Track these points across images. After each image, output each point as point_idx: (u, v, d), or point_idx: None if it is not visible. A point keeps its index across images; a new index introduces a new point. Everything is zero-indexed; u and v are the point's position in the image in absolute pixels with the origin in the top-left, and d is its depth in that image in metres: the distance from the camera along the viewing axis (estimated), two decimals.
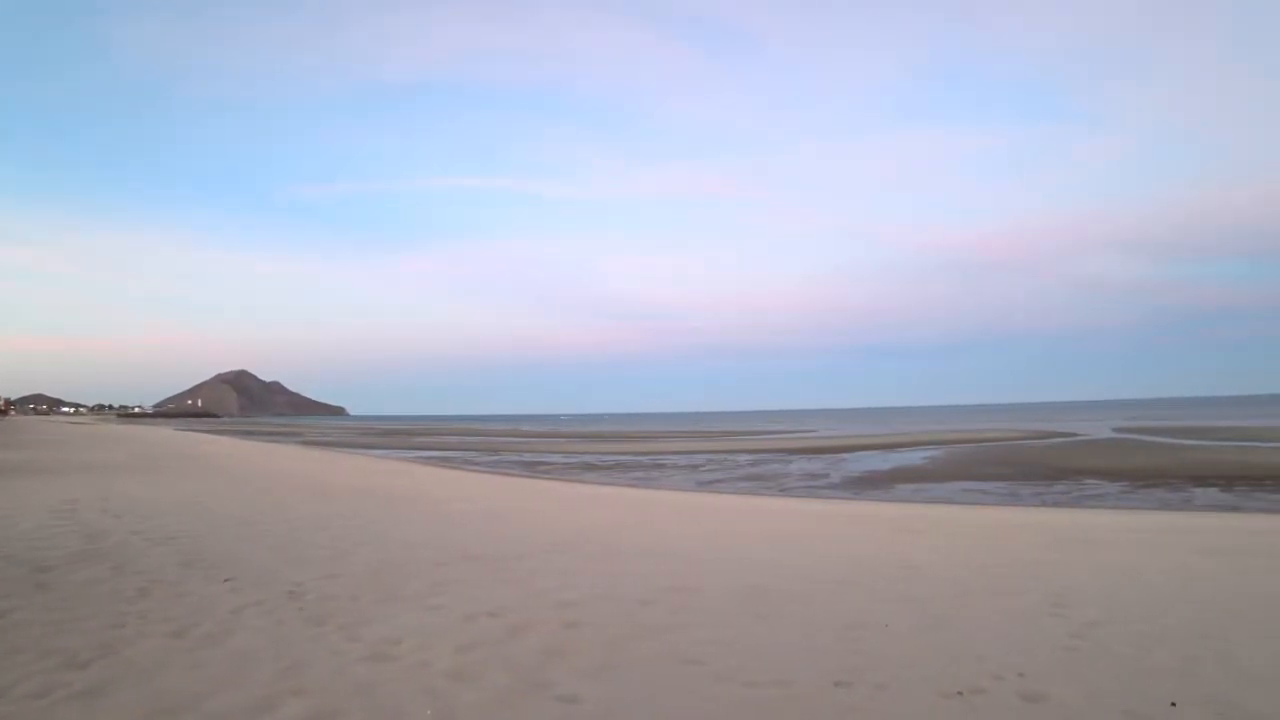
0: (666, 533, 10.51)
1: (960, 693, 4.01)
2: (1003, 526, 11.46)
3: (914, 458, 30.18)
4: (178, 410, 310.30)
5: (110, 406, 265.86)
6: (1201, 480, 19.50)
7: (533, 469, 27.62)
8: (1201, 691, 4.05)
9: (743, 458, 31.83)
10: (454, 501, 14.29)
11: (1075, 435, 44.66)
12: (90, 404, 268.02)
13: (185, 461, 24.27)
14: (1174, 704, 3.86)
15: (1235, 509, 14.72)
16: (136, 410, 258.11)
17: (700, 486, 20.70)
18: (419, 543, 8.91)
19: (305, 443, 49.06)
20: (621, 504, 15.23)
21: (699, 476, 23.81)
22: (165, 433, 60.65)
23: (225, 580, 6.60)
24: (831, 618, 5.56)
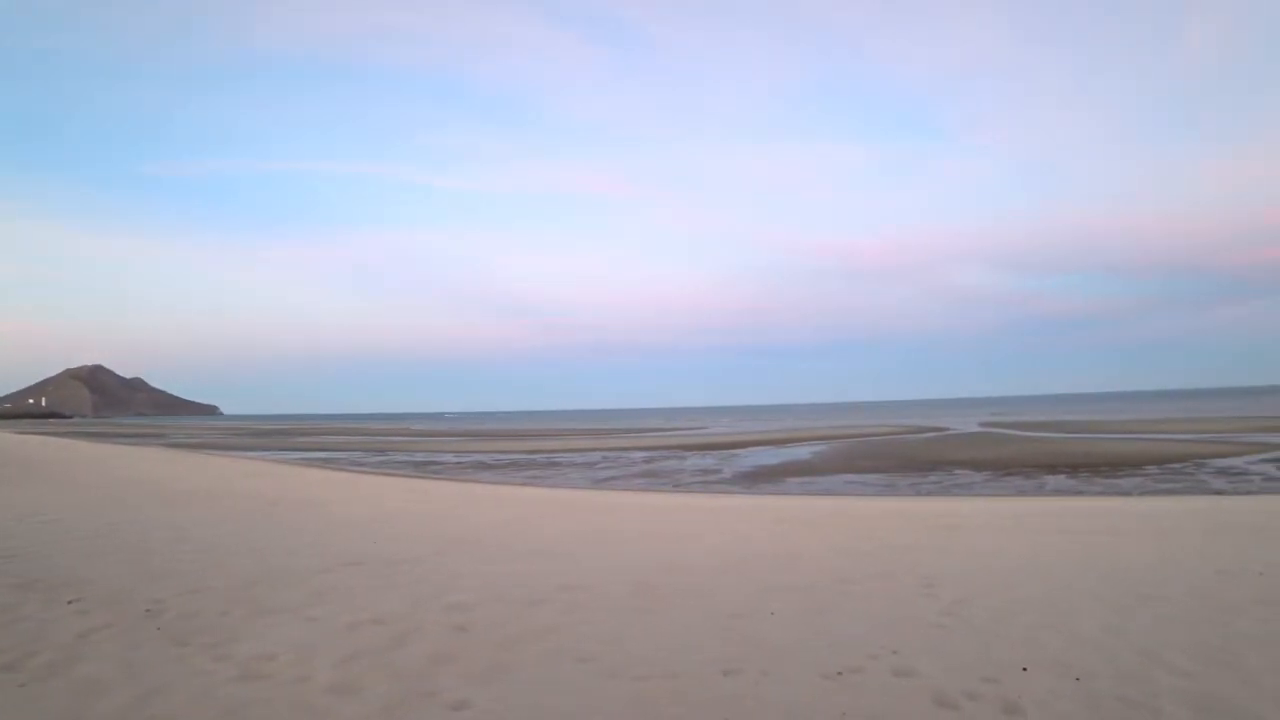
0: (560, 531, 10.46)
1: (840, 673, 4.22)
2: (882, 515, 12.15)
3: (801, 453, 31.48)
4: (16, 410, 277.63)
5: None
6: (1052, 468, 21.49)
7: (423, 469, 26.80)
8: (1048, 656, 4.47)
9: (638, 455, 32.16)
10: (338, 504, 13.64)
11: (946, 430, 48.00)
12: None
13: (24, 468, 21.87)
14: (1025, 669, 4.26)
15: (1079, 493, 16.32)
16: None
17: (595, 484, 20.75)
18: (299, 549, 8.43)
19: (170, 445, 45.32)
20: (515, 503, 15.03)
21: (594, 474, 23.85)
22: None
23: (70, 602, 5.97)
24: (720, 609, 5.71)
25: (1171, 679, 4.08)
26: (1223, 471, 19.65)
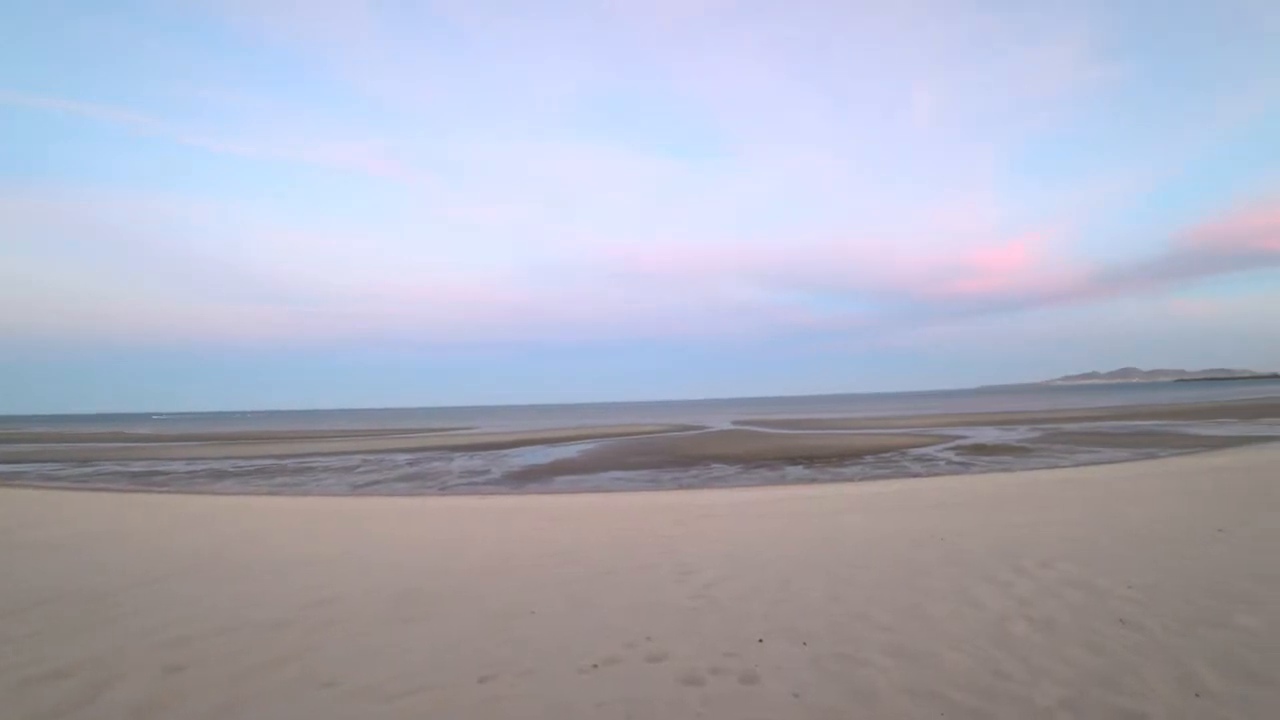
0: (311, 543, 9.55)
1: (596, 665, 4.31)
2: (644, 508, 12.72)
3: (571, 451, 32.02)
4: None
5: None
6: (793, 460, 24.11)
7: (143, 481, 23.05)
8: (782, 626, 4.96)
9: (402, 457, 30.57)
10: (21, 530, 11.21)
11: (705, 427, 51.74)
12: None
13: None
14: (761, 640, 4.68)
15: (813, 481, 18.45)
16: None
17: (354, 490, 19.34)
18: None
19: None
20: (258, 515, 13.46)
21: (353, 479, 22.23)
22: None
23: None
24: (481, 612, 5.57)
25: (877, 634, 4.74)
26: (919, 459, 23.44)
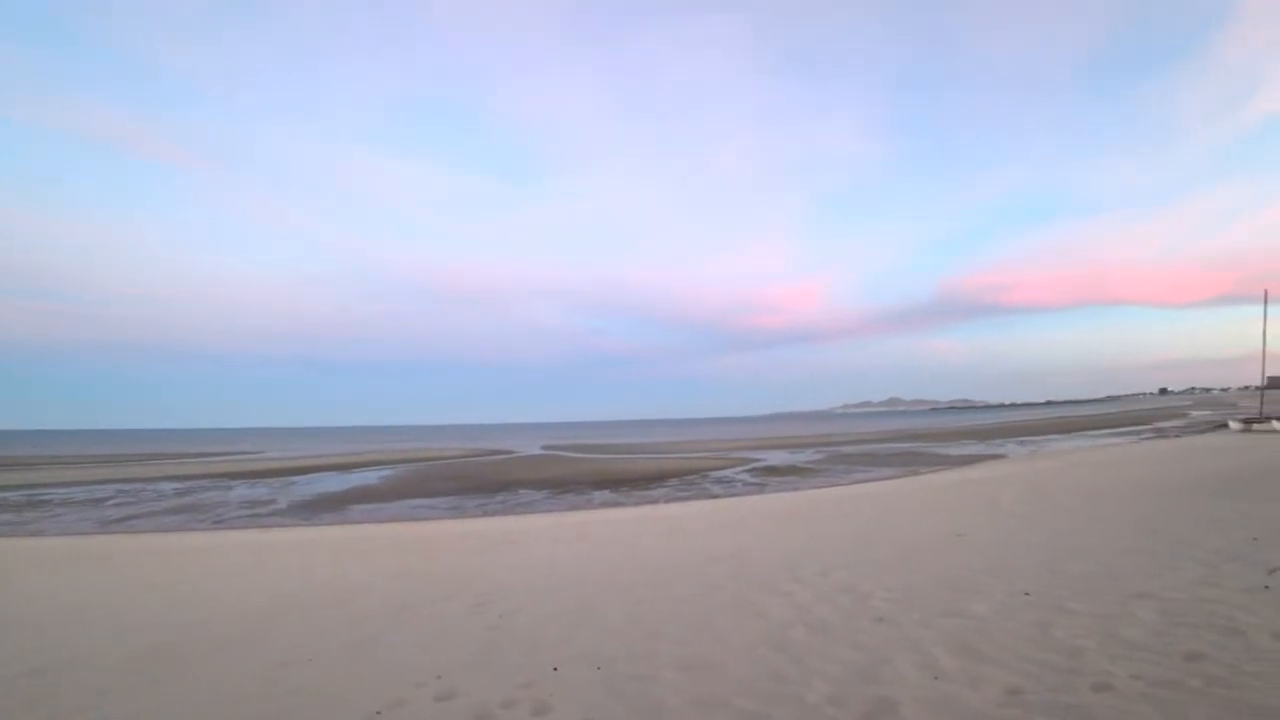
0: (33, 596, 8.04)
1: (379, 712, 3.98)
2: (445, 537, 12.20)
3: (369, 477, 30.06)
4: None
5: None
6: (600, 485, 24.45)
7: None
8: (578, 651, 4.92)
9: (169, 486, 26.89)
10: None
11: (513, 452, 51.01)
12: None
13: None
14: (556, 668, 4.60)
15: (619, 504, 18.82)
16: None
17: (103, 527, 16.63)
18: None
19: None
20: None
21: (103, 513, 19.13)
22: None
23: None
24: (254, 662, 4.98)
25: (671, 649, 4.86)
26: (719, 480, 24.81)
